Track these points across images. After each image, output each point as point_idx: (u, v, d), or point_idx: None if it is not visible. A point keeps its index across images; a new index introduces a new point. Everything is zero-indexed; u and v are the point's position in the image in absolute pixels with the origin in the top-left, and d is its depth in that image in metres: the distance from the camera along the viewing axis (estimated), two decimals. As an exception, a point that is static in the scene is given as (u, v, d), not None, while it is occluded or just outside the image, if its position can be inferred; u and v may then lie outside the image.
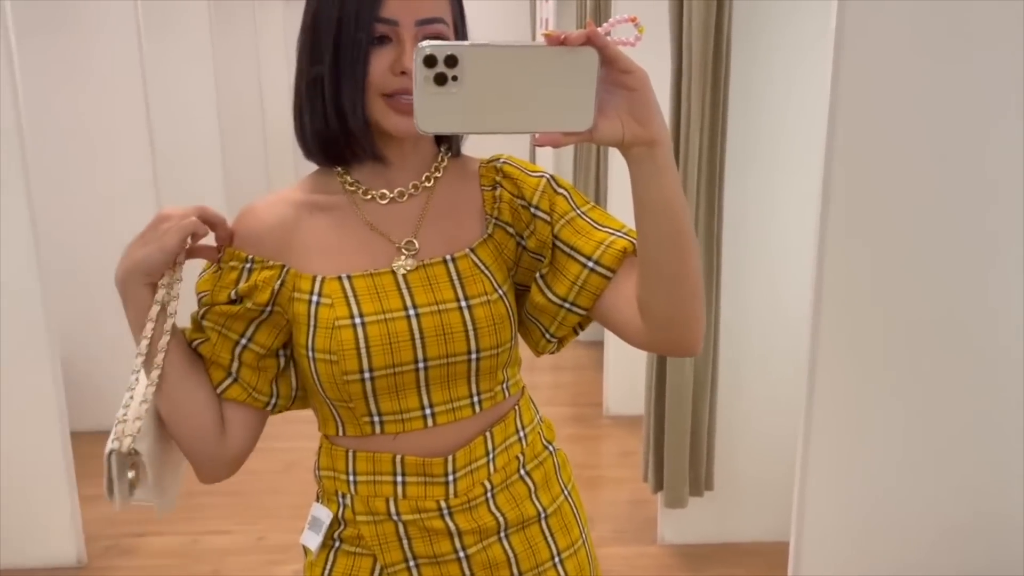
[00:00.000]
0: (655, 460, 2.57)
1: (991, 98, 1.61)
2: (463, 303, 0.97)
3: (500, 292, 1.00)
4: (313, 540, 1.03)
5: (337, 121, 0.94)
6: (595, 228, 1.00)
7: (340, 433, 1.00)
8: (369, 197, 1.00)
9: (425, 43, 0.77)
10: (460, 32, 0.99)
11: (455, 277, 0.98)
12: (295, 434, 3.65)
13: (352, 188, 1.01)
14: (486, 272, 1.00)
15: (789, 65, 2.37)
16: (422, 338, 0.95)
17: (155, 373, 0.96)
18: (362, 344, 0.93)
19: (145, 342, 0.95)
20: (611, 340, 3.66)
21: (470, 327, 0.97)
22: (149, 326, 0.94)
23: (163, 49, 3.93)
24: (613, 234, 0.99)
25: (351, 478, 1.00)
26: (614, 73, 0.79)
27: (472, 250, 1.01)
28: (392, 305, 0.95)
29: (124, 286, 0.95)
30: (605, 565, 2.64)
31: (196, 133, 4.30)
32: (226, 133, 4.44)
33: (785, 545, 1.92)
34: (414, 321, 0.95)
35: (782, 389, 2.55)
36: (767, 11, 2.33)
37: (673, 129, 2.32)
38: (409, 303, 0.96)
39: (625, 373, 3.63)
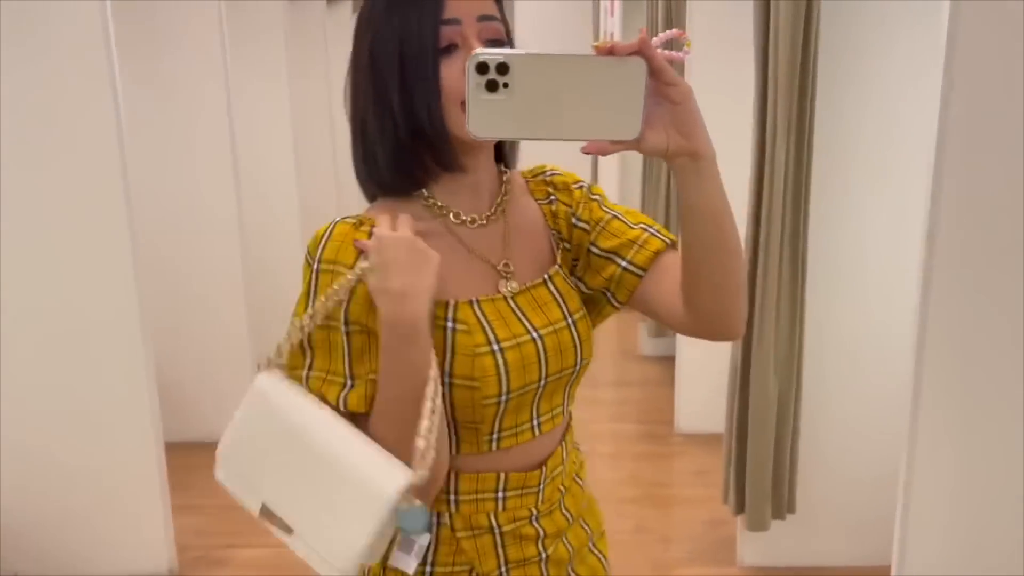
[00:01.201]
0: (736, 481, 2.56)
1: None
2: (569, 320, 1.03)
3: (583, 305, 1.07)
4: (410, 563, 0.93)
5: (413, 136, 0.94)
6: (629, 228, 1.06)
7: (454, 452, 1.01)
8: (460, 221, 1.02)
9: (478, 51, 0.80)
10: (509, 33, 0.99)
11: (557, 296, 1.04)
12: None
13: (443, 212, 1.01)
14: (573, 288, 1.07)
15: (878, 79, 2.35)
16: (546, 358, 1.00)
17: (435, 415, 0.89)
18: (502, 370, 0.96)
19: (433, 385, 0.88)
20: (683, 356, 3.65)
21: (577, 342, 1.03)
22: (435, 363, 0.90)
23: (242, 58, 4.05)
24: (647, 230, 1.05)
25: (452, 497, 1.02)
26: (660, 85, 0.82)
27: (559, 266, 1.06)
28: (517, 330, 0.99)
29: (422, 322, 0.89)
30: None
31: (272, 142, 4.41)
32: (298, 141, 4.56)
33: (868, 570, 1.89)
34: (539, 343, 0.99)
35: (868, 409, 2.53)
36: (857, 22, 2.31)
37: (758, 143, 2.32)
38: (529, 326, 1.00)
39: (697, 390, 3.62)
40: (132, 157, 2.48)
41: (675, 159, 0.87)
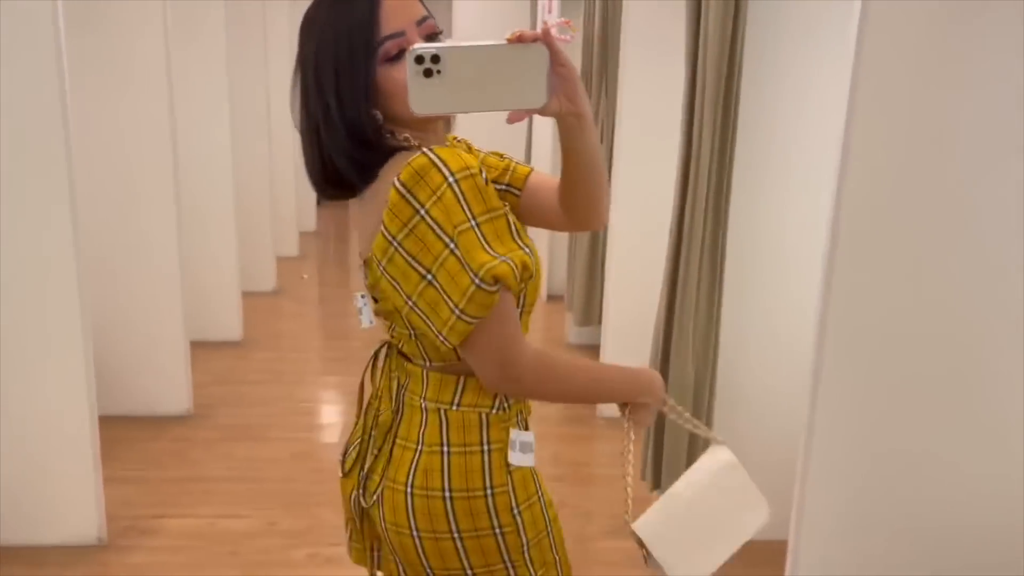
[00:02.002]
0: (654, 459, 2.72)
1: (1014, 116, 1.66)
2: None
3: None
4: (529, 459, 1.22)
5: (354, 139, 1.13)
6: (499, 160, 1.36)
7: None
8: None
9: (415, 46, 1.01)
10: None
11: None
12: (302, 426, 3.80)
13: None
14: None
15: (799, 81, 2.50)
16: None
17: None
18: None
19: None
20: (606, 346, 3.81)
21: None
22: None
23: (184, 50, 4.08)
24: (512, 161, 1.37)
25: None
26: (555, 65, 1.04)
27: None
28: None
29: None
30: (602, 558, 2.79)
31: (210, 126, 4.46)
32: (235, 125, 4.60)
33: (779, 544, 2.00)
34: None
35: (780, 391, 2.70)
36: (782, 25, 2.46)
37: (685, 140, 2.47)
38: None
39: (620, 377, 3.78)
40: (73, 140, 2.51)
41: (565, 119, 1.11)
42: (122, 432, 3.52)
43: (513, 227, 1.12)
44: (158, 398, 3.73)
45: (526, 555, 1.21)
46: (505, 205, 1.12)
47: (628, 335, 3.62)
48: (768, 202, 2.61)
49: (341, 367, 4.63)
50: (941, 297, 1.76)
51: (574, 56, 4.63)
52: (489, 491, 1.18)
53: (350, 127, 1.12)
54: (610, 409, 3.82)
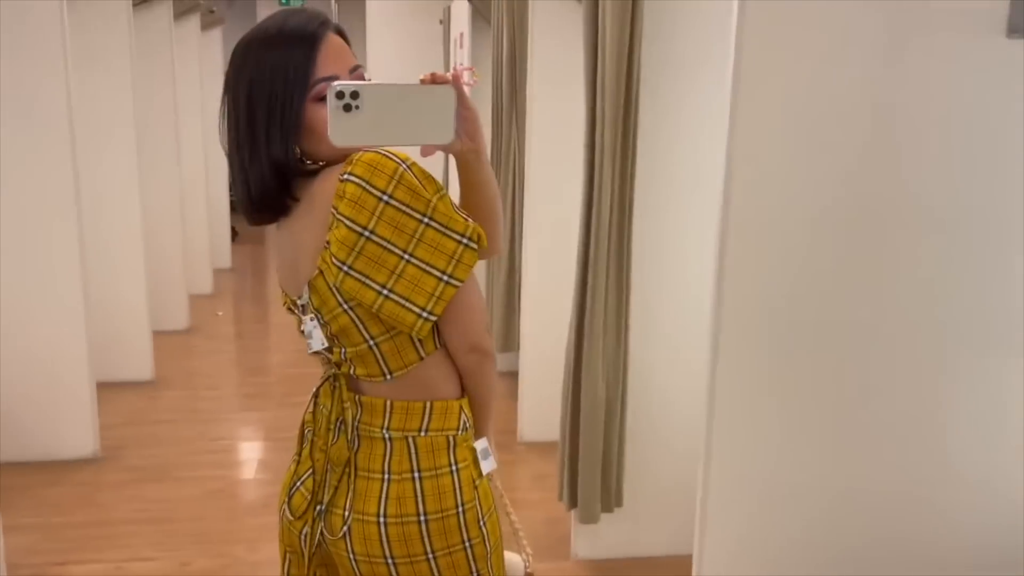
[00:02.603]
0: (569, 478, 2.75)
1: (892, 100, 1.72)
2: None
3: None
4: (492, 461, 1.32)
5: (275, 172, 1.20)
6: None
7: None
8: None
9: (336, 83, 1.10)
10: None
11: None
12: (216, 463, 3.71)
13: None
14: None
15: (693, 93, 2.61)
16: None
17: None
18: None
19: None
20: (525, 371, 3.84)
21: None
22: None
23: (87, 80, 4.00)
24: None
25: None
26: (459, 107, 1.15)
27: None
28: None
29: None
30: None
31: (117, 164, 4.39)
32: (142, 156, 4.55)
33: (685, 558, 2.05)
34: None
35: (686, 408, 2.77)
36: (675, 37, 2.57)
37: (588, 163, 2.53)
38: None
39: (537, 401, 3.82)
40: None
41: (466, 155, 1.22)
42: (23, 478, 3.38)
43: (454, 203, 1.22)
44: (62, 441, 3.59)
45: (489, 561, 1.27)
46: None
47: (544, 361, 3.67)
48: (669, 219, 2.69)
49: (258, 403, 4.54)
50: (830, 296, 1.82)
51: (486, 92, 4.73)
52: (460, 508, 1.24)
53: (273, 160, 1.19)
54: (530, 433, 3.87)
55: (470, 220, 1.19)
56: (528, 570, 1.43)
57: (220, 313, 6.43)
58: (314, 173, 1.22)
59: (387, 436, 1.24)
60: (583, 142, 2.57)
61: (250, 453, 3.92)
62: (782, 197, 1.78)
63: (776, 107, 1.74)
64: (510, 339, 4.42)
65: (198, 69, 6.60)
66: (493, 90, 4.55)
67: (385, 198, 1.13)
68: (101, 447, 3.66)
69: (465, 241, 1.18)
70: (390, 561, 1.22)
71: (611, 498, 2.75)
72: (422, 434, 1.24)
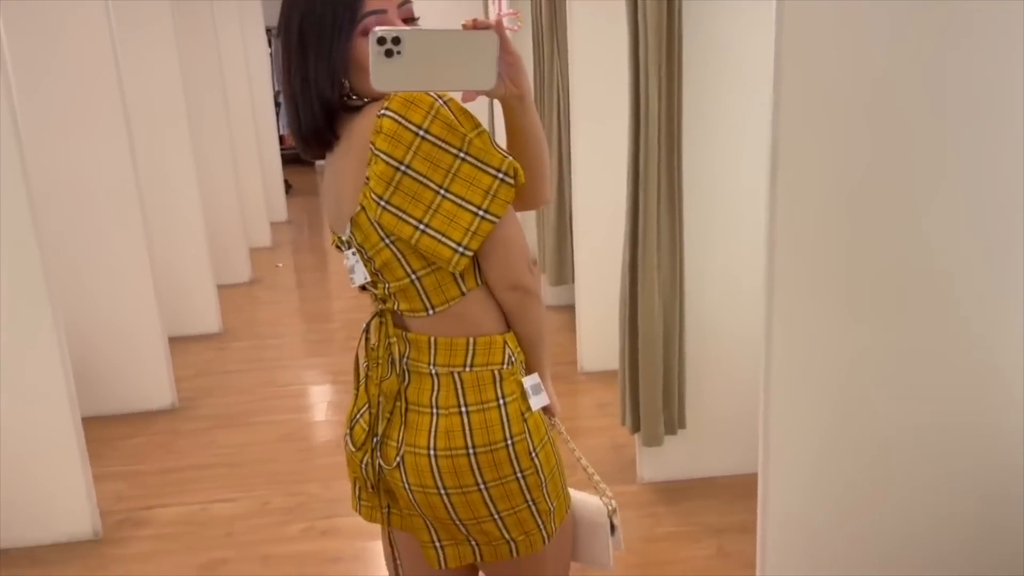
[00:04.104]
0: (631, 403, 2.78)
1: (942, 47, 1.68)
2: None
3: None
4: (543, 398, 1.32)
5: (322, 106, 1.22)
6: None
7: None
8: None
9: (377, 28, 1.07)
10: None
11: None
12: (286, 408, 3.83)
13: None
14: None
15: (743, 10, 2.56)
16: None
17: None
18: None
19: None
20: (581, 302, 3.86)
21: None
22: None
23: (132, 45, 4.06)
24: None
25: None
26: (503, 52, 1.13)
27: None
28: None
29: None
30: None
31: (168, 125, 4.47)
32: (191, 108, 4.63)
33: (750, 477, 2.05)
34: None
35: (746, 331, 2.77)
36: None
37: (633, 89, 2.50)
38: None
39: (595, 331, 3.85)
40: (25, 143, 2.51)
41: (509, 100, 1.21)
42: (108, 431, 3.55)
43: (494, 140, 1.21)
44: (141, 395, 3.75)
45: (544, 490, 1.29)
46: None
47: (600, 291, 3.68)
48: (719, 140, 2.65)
49: (322, 349, 4.66)
50: (892, 214, 1.76)
51: (527, 36, 4.67)
52: (509, 441, 1.25)
53: (321, 95, 1.20)
54: (590, 363, 3.90)
55: (508, 156, 1.19)
56: (609, 511, 1.43)
57: (280, 264, 6.56)
58: (358, 109, 1.23)
59: (434, 372, 1.26)
60: (627, 71, 2.53)
61: (318, 396, 4.03)
62: (836, 103, 1.72)
63: (827, 5, 1.68)
64: (563, 273, 4.44)
65: (239, 24, 6.64)
66: (533, 28, 4.49)
67: (421, 133, 1.14)
68: (177, 398, 3.81)
69: (501, 176, 1.17)
70: (442, 492, 1.25)
71: (674, 421, 2.77)
72: (467, 369, 1.25)
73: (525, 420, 1.27)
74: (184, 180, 4.57)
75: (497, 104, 1.25)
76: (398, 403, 1.29)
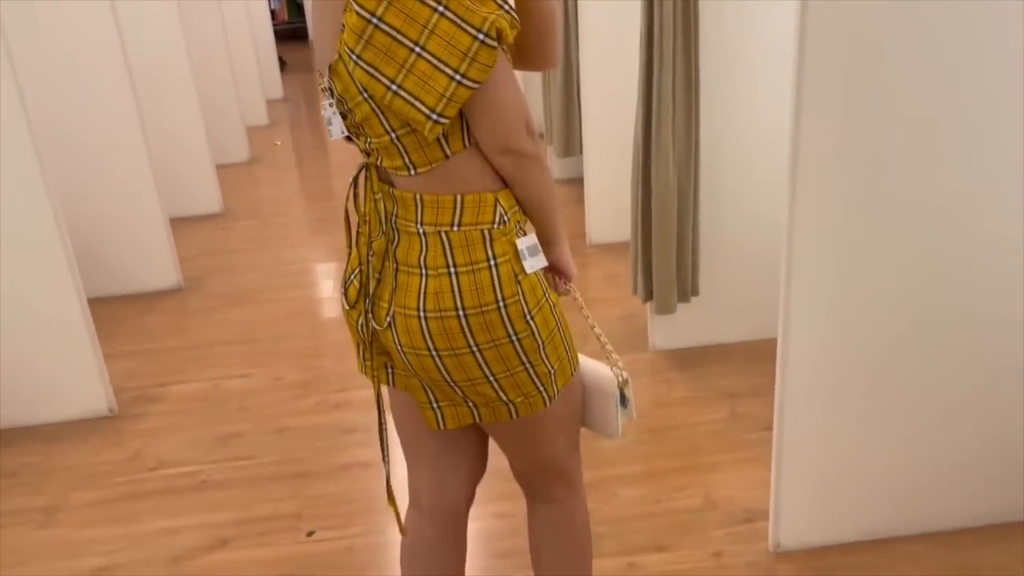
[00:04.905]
0: (643, 271, 2.73)
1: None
2: None
3: None
4: (541, 260, 1.25)
5: None
6: None
7: None
8: None
9: None
10: None
11: None
12: (293, 285, 3.81)
13: None
14: None
15: None
16: None
17: None
18: None
19: None
20: (589, 174, 3.77)
21: None
22: None
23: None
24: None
25: None
26: None
27: None
28: None
29: None
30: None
31: (167, 49, 4.37)
32: (193, 49, 4.53)
33: (767, 343, 2.01)
34: None
35: (760, 199, 2.70)
36: None
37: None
38: None
39: (604, 203, 3.77)
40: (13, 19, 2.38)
41: None
42: (117, 311, 3.53)
43: None
44: (146, 274, 3.72)
45: (542, 353, 1.24)
46: None
47: (609, 163, 3.58)
48: (737, 8, 2.51)
49: (326, 226, 4.60)
50: (917, 89, 1.68)
51: None
52: (501, 303, 1.19)
53: None
54: (599, 236, 3.85)
55: (491, 15, 1.07)
56: (620, 382, 1.39)
57: (278, 143, 6.42)
58: None
59: (421, 231, 1.20)
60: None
61: (324, 273, 4.00)
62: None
63: None
64: (571, 144, 4.32)
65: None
66: None
67: None
68: (183, 277, 3.78)
69: (481, 37, 1.06)
70: (434, 353, 1.21)
71: (687, 288, 2.73)
72: (455, 228, 1.19)
73: (519, 282, 1.20)
74: (175, 58, 4.42)
75: None
76: (387, 263, 1.25)
